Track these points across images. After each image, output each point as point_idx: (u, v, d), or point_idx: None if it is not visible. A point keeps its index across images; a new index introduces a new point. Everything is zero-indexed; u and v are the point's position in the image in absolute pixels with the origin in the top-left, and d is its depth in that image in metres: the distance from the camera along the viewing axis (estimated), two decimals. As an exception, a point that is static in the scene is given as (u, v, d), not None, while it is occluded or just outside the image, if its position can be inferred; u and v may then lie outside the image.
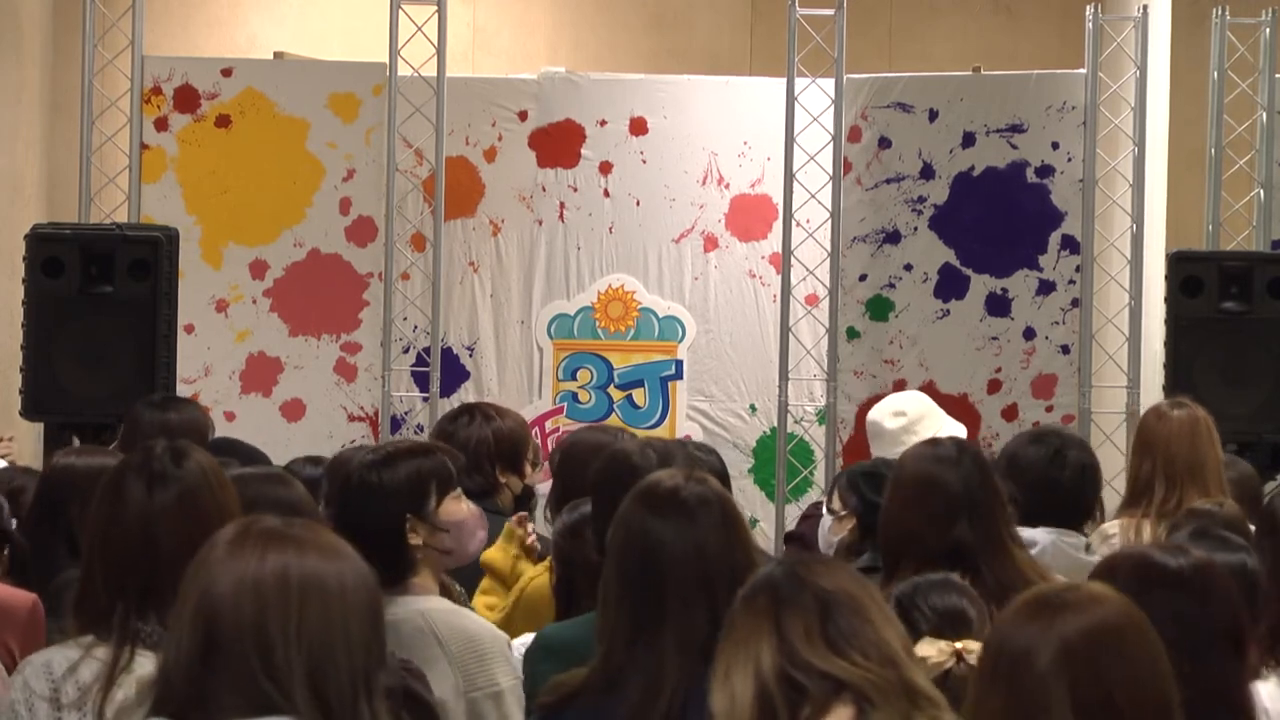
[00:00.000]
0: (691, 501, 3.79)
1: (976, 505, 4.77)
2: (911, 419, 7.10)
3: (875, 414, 7.19)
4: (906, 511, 4.79)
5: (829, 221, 9.77)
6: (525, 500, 6.17)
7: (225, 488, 3.88)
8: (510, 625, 5.35)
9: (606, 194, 10.14)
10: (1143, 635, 2.83)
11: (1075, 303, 9.81)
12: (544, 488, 6.42)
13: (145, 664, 3.67)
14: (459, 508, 4.58)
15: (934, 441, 5.02)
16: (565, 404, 10.13)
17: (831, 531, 5.47)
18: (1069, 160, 9.82)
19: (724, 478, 5.43)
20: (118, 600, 3.72)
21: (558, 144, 10.13)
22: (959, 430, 7.18)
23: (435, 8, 9.71)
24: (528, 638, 4.87)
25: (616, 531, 3.82)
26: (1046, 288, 9.86)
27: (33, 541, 5.01)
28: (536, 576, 5.33)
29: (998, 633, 2.89)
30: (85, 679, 3.69)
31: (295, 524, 2.90)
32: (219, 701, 2.75)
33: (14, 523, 5.06)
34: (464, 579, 5.39)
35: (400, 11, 9.71)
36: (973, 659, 3.82)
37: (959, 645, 3.87)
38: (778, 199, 9.95)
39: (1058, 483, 5.56)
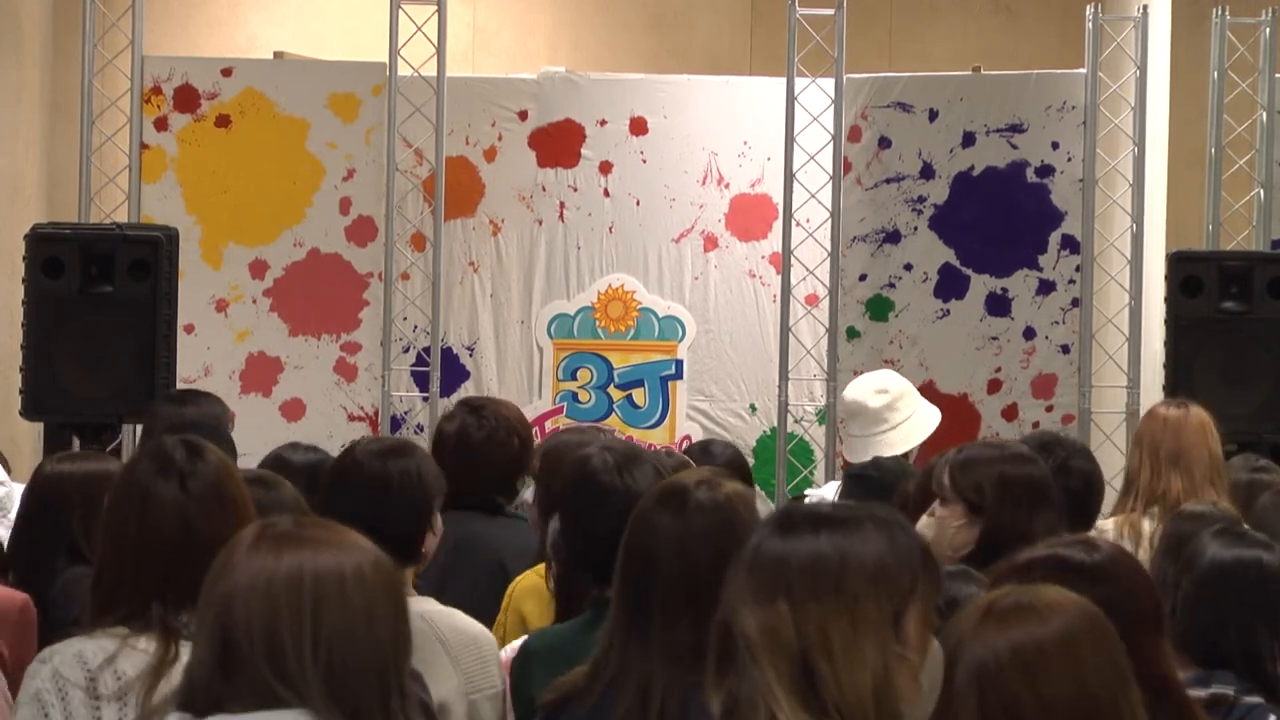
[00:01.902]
0: (691, 504, 3.63)
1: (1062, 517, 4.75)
2: (894, 396, 7.10)
3: (857, 394, 7.14)
4: (1032, 519, 4.69)
5: (829, 221, 9.78)
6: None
7: (239, 480, 3.89)
8: (502, 630, 5.36)
9: (606, 194, 10.14)
10: (1075, 654, 2.78)
11: (1075, 303, 9.81)
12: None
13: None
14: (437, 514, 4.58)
15: (1012, 443, 4.98)
16: (565, 404, 10.14)
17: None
18: (1069, 160, 9.82)
19: (745, 471, 5.40)
20: (153, 600, 3.71)
21: (558, 144, 10.13)
22: (933, 412, 7.20)
23: (435, 8, 9.71)
24: (517, 644, 4.86)
25: (627, 529, 3.76)
26: (1046, 288, 9.86)
27: (27, 548, 4.99)
28: (523, 581, 5.33)
29: (948, 630, 2.86)
30: (126, 671, 3.66)
31: (310, 523, 2.89)
32: (234, 701, 2.76)
33: None
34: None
35: (400, 11, 9.72)
36: None
37: None
38: (778, 199, 9.95)
39: (1062, 493, 5.50)
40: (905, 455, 6.86)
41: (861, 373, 9.90)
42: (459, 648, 4.34)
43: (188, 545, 3.71)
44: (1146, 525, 6.19)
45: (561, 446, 5.72)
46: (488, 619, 5.38)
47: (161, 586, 3.71)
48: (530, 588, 5.23)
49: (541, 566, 5.23)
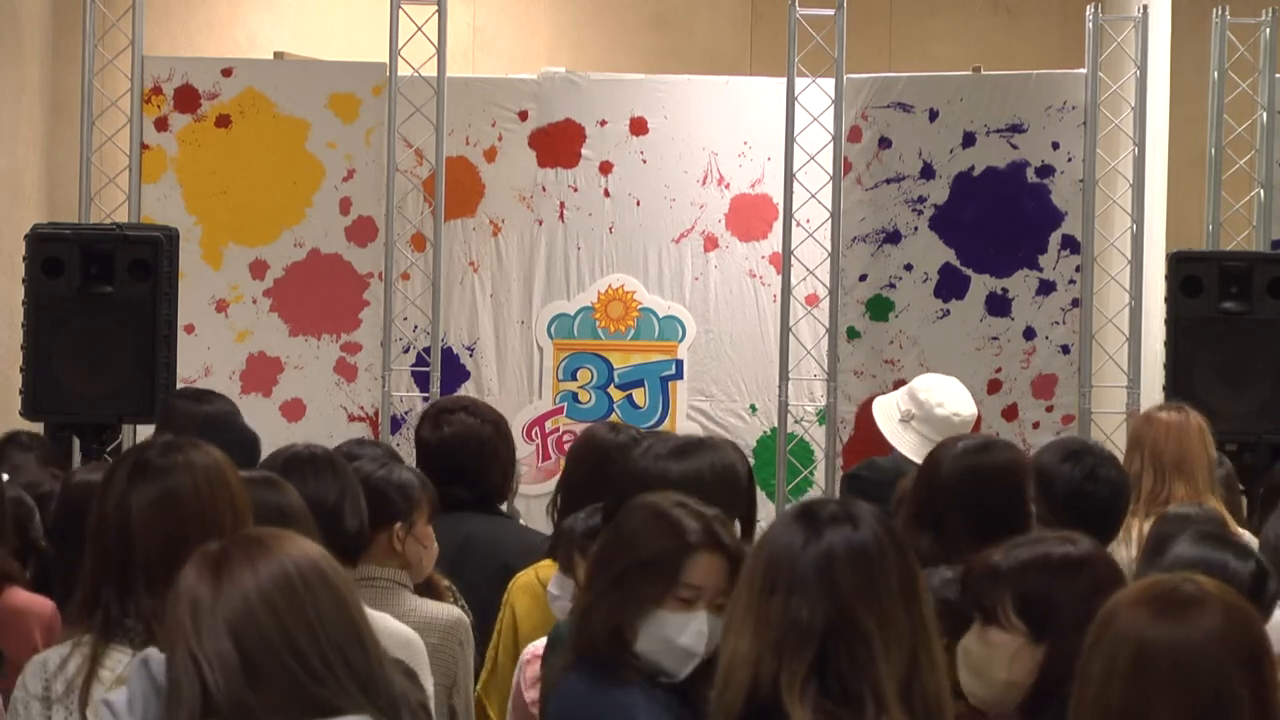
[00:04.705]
0: (625, 510, 3.80)
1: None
2: None
3: (972, 405, 7.05)
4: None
5: (829, 221, 9.77)
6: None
7: (216, 488, 3.80)
8: (500, 625, 5.37)
9: (607, 194, 10.14)
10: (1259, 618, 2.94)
11: (1075, 303, 9.81)
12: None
13: (121, 659, 3.67)
14: None
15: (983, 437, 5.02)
16: (565, 404, 10.13)
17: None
18: (1069, 160, 9.82)
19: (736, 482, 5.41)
20: (102, 589, 3.74)
21: (558, 144, 10.13)
22: None
23: (435, 8, 9.71)
24: (540, 643, 4.87)
25: None
26: (1046, 288, 9.86)
27: (56, 558, 4.98)
28: (521, 578, 5.34)
29: (1155, 637, 2.87)
30: (71, 673, 3.72)
31: (254, 534, 2.89)
32: (266, 710, 2.76)
33: (41, 531, 5.03)
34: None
35: (400, 11, 9.71)
36: None
37: None
38: (778, 199, 9.95)
39: (1091, 500, 5.44)
40: None
41: (862, 373, 9.98)
42: (395, 651, 4.35)
43: (124, 544, 3.72)
44: (1146, 527, 6.19)
45: (591, 441, 5.76)
46: (492, 619, 5.40)
47: (108, 581, 3.72)
48: (525, 585, 5.25)
49: (540, 564, 5.25)
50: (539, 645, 4.74)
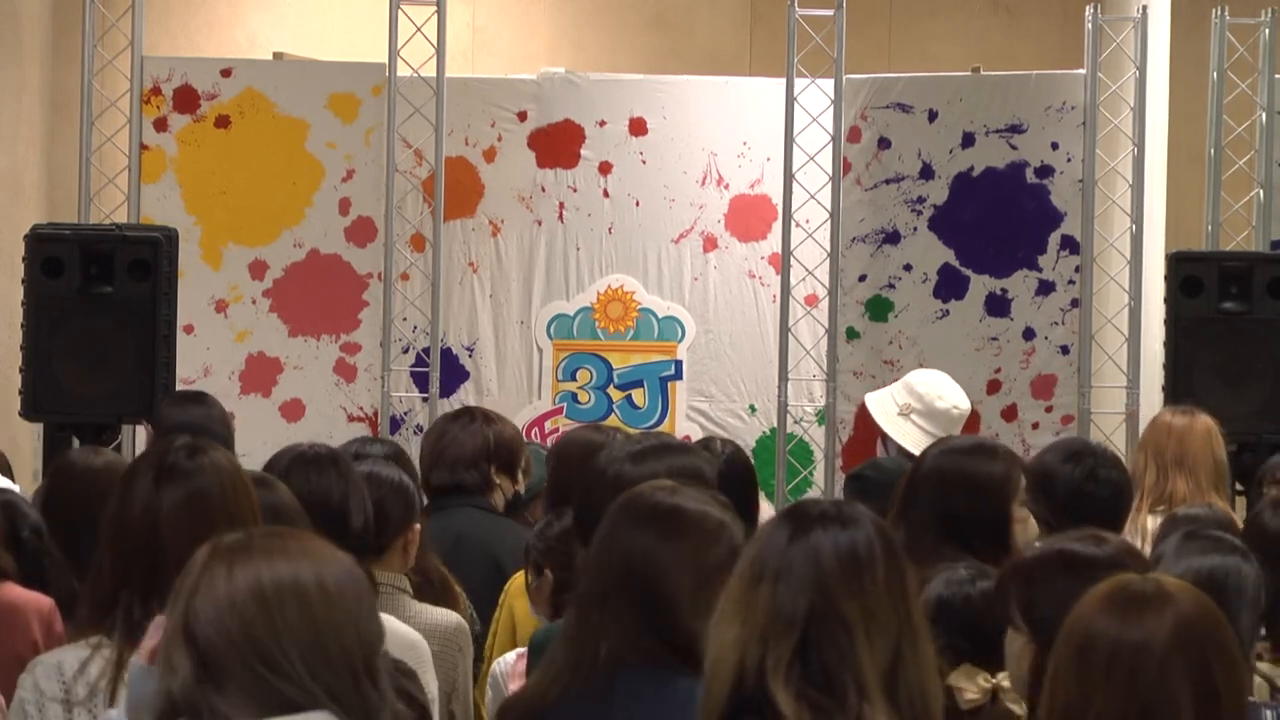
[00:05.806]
0: (620, 508, 3.69)
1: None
2: None
3: (965, 400, 7.09)
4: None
5: (828, 222, 9.78)
6: (514, 506, 6.19)
7: (239, 489, 3.82)
8: (496, 626, 5.37)
9: (606, 194, 10.14)
10: (1224, 622, 2.93)
11: (1075, 303, 9.81)
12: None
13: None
14: None
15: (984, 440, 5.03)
16: (565, 404, 10.13)
17: None
18: (1069, 160, 9.82)
19: (746, 468, 5.37)
20: (122, 591, 3.72)
21: (557, 144, 10.13)
22: None
23: (434, 8, 9.71)
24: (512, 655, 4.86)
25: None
26: (1046, 288, 9.86)
27: (50, 547, 4.97)
28: (518, 579, 5.34)
29: (1099, 632, 2.90)
30: (94, 676, 3.70)
31: (259, 534, 2.88)
32: (230, 709, 2.75)
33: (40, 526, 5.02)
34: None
35: (400, 12, 9.71)
36: (1008, 700, 3.82)
37: (996, 681, 3.88)
38: (777, 199, 9.95)
39: (1091, 501, 5.42)
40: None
41: (862, 374, 9.97)
42: (397, 652, 4.35)
43: (151, 548, 3.71)
44: (1151, 522, 6.21)
45: (575, 443, 5.74)
46: (484, 618, 5.40)
47: (130, 584, 3.71)
48: (524, 586, 5.25)
49: None
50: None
